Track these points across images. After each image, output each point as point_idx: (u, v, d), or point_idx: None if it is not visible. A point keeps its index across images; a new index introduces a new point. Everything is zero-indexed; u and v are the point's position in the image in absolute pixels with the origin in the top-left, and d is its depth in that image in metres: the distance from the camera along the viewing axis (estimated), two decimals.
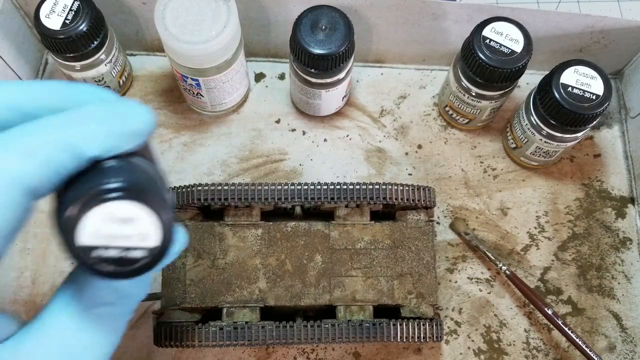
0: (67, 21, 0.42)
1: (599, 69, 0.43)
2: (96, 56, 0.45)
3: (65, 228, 0.20)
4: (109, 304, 0.24)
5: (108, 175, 0.20)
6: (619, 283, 0.47)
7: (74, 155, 0.21)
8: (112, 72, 0.47)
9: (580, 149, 0.51)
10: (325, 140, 0.51)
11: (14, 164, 0.20)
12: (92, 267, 0.21)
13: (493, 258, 0.46)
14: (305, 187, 0.40)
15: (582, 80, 0.43)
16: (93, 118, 0.21)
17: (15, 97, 0.22)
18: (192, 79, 0.45)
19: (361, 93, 0.52)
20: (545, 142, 0.46)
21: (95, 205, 0.20)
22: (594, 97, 0.42)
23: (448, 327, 0.45)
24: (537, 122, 0.45)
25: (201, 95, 0.47)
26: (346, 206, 0.41)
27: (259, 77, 0.53)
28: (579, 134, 0.45)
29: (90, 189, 0.20)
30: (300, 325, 0.39)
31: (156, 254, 0.21)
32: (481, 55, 0.43)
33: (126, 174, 0.21)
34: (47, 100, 0.23)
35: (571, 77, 0.43)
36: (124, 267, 0.21)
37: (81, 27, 0.42)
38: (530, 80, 0.52)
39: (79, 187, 0.20)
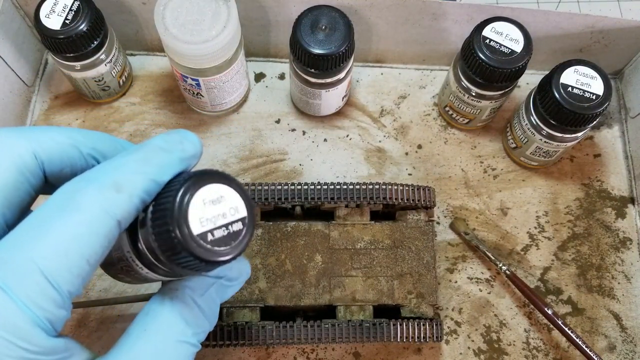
0: (67, 21, 0.42)
1: (599, 69, 0.43)
2: (96, 56, 0.45)
3: (178, 223, 0.22)
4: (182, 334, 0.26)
5: (185, 178, 0.23)
6: (619, 283, 0.47)
7: (156, 183, 0.23)
8: (112, 72, 0.47)
9: (580, 149, 0.51)
10: (325, 140, 0.51)
11: (108, 198, 0.22)
12: (210, 254, 0.23)
13: (493, 258, 0.46)
14: (305, 187, 0.40)
15: (582, 80, 0.43)
16: (162, 149, 0.24)
17: (77, 139, 0.25)
18: (192, 79, 0.45)
19: (361, 93, 0.52)
20: (545, 142, 0.46)
21: (194, 194, 0.23)
22: (594, 97, 0.42)
23: (448, 327, 0.45)
24: (537, 122, 0.45)
25: (201, 95, 0.47)
26: (346, 206, 0.41)
27: (259, 77, 0.53)
28: (579, 134, 0.45)
29: (179, 189, 0.22)
30: (300, 325, 0.39)
31: (248, 223, 0.24)
32: (481, 55, 0.43)
33: (197, 172, 0.24)
34: (100, 144, 0.25)
35: (571, 77, 0.43)
36: (232, 242, 0.24)
37: (81, 27, 0.42)
38: (530, 80, 0.52)
39: (165, 196, 0.23)
